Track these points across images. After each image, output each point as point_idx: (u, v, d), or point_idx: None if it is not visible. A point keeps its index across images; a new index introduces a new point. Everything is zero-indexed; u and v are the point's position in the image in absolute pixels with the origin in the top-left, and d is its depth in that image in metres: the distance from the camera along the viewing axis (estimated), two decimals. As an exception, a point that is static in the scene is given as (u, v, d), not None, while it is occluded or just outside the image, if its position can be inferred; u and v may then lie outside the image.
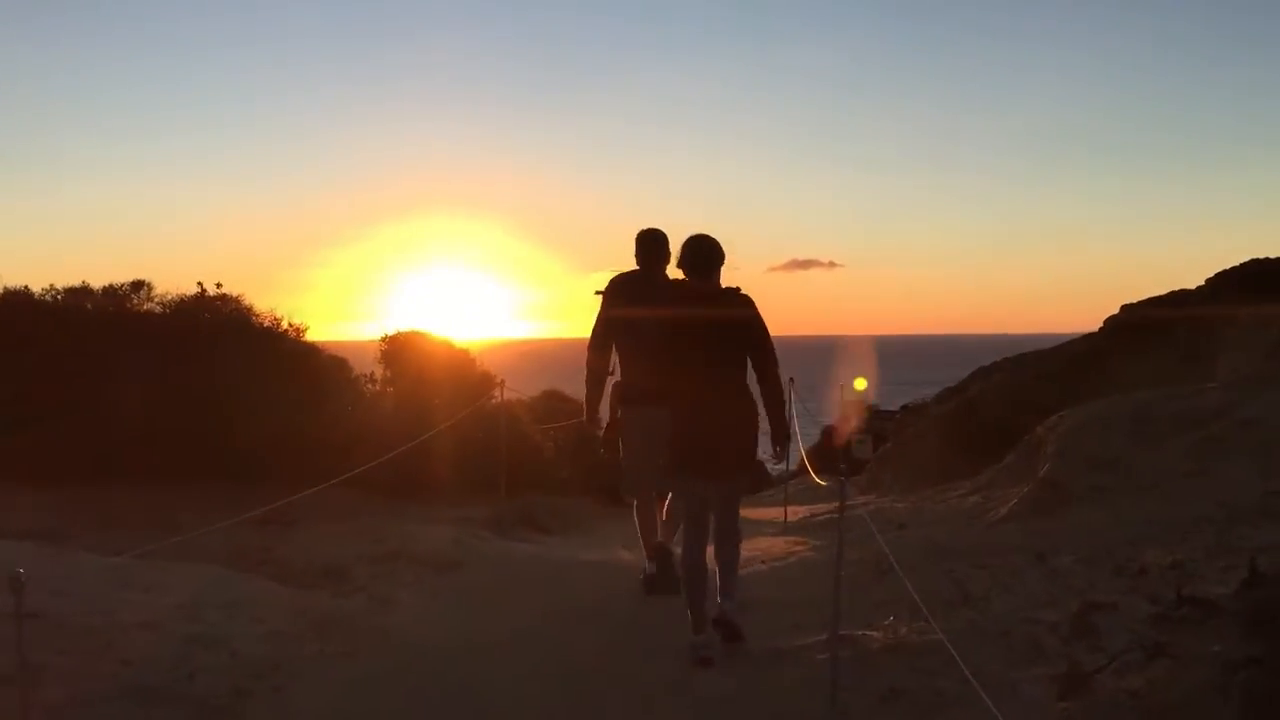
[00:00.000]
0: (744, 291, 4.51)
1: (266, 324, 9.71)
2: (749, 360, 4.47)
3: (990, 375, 11.88)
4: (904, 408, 20.61)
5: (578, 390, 5.85)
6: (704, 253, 4.50)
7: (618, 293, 5.54)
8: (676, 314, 4.44)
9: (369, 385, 10.41)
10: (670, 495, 5.49)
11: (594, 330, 5.55)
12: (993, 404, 10.95)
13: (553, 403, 22.42)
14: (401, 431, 8.33)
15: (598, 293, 5.63)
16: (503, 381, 8.80)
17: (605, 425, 5.88)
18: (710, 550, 4.62)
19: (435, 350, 10.91)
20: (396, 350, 10.81)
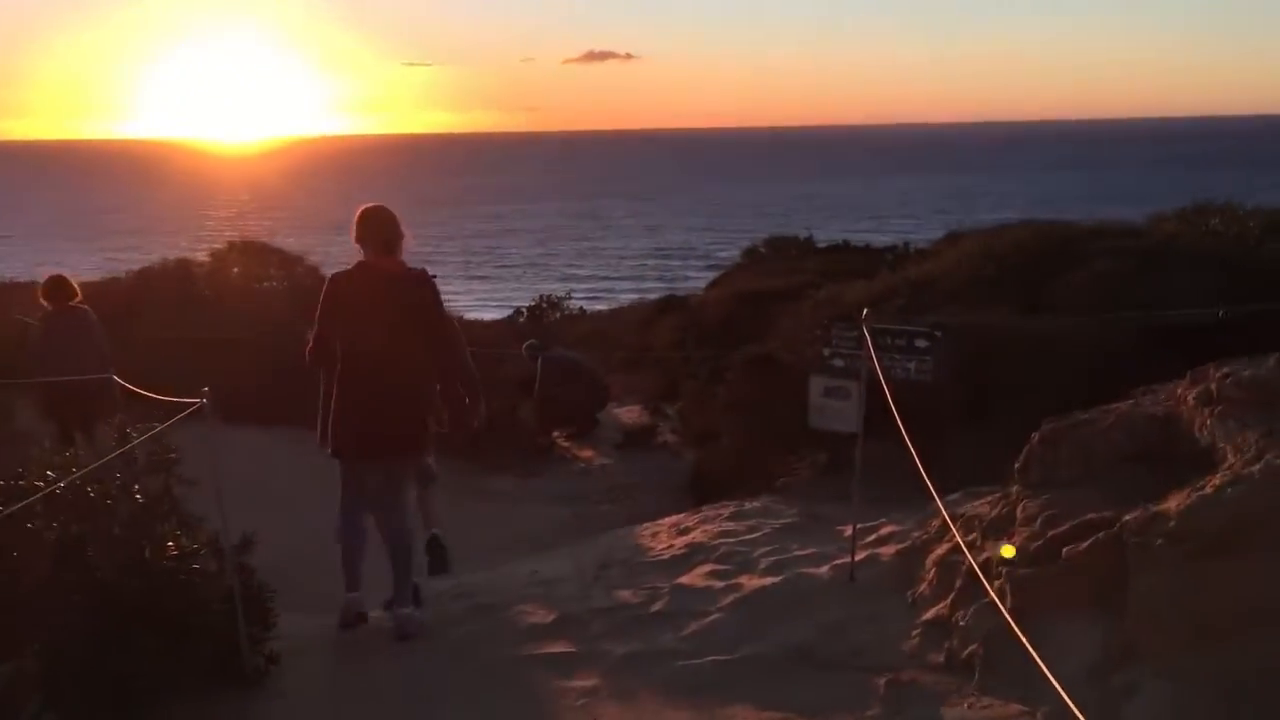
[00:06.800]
0: (428, 272, 4.53)
1: None
2: (427, 343, 4.46)
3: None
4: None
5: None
6: (389, 230, 4.49)
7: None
8: (358, 299, 4.41)
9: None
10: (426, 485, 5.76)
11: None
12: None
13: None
14: None
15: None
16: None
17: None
18: (374, 523, 4.64)
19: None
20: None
